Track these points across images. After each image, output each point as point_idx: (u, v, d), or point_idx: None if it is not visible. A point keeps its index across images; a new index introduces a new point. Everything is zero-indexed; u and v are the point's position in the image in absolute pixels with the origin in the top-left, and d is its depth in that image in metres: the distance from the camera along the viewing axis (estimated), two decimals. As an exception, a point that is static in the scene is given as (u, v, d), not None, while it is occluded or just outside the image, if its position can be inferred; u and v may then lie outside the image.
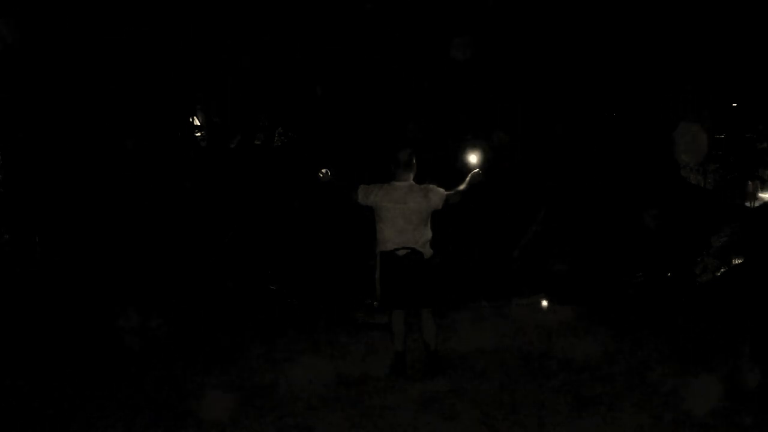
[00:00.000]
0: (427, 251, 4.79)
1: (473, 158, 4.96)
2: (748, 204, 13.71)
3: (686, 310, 6.67)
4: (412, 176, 4.87)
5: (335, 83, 8.94)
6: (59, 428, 4.02)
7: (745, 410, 4.03)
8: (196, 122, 9.69)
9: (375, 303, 4.87)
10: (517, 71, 8.77)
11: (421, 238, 4.76)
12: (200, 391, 4.64)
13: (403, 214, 4.73)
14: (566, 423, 3.93)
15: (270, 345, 5.83)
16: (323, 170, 4.93)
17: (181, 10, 7.86)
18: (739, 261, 7.78)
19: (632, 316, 6.55)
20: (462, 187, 4.86)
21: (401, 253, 4.73)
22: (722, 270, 7.74)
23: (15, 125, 8.06)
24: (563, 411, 4.10)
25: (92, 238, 7.84)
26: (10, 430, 4.04)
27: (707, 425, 3.85)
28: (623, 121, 10.01)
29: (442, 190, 4.80)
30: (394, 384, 4.68)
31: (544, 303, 7.22)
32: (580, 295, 7.30)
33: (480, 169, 4.89)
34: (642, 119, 9.67)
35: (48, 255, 7.99)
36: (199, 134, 9.69)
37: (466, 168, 4.94)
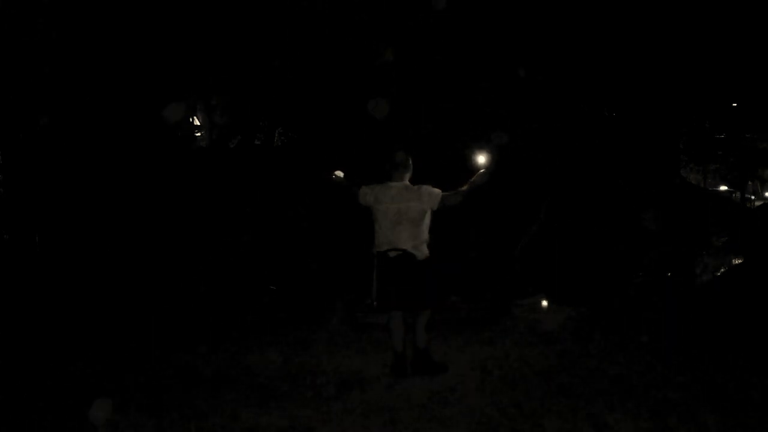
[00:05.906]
0: (422, 252, 4.76)
1: (481, 159, 4.95)
2: (748, 204, 13.72)
3: (686, 310, 6.67)
4: (407, 177, 4.86)
5: (335, 83, 8.92)
6: (59, 427, 4.02)
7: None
8: (196, 122, 9.69)
9: (374, 303, 4.85)
10: (518, 70, 8.77)
11: (416, 239, 4.73)
12: (199, 389, 4.64)
13: (397, 215, 4.72)
14: (566, 425, 3.92)
15: (269, 344, 5.83)
16: (336, 172, 4.96)
17: (181, 10, 7.87)
18: (739, 261, 7.78)
19: (632, 317, 6.55)
20: (464, 188, 4.83)
21: (393, 254, 4.72)
22: (722, 270, 7.74)
23: (15, 125, 8.06)
24: (563, 412, 4.09)
25: (92, 238, 7.85)
26: (10, 430, 4.04)
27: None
28: (623, 121, 10.01)
29: (437, 190, 4.78)
30: (394, 384, 4.68)
31: (544, 303, 7.22)
32: (580, 295, 7.30)
33: (485, 170, 4.88)
34: (642, 119, 9.67)
35: (48, 255, 7.99)
36: (199, 134, 9.69)
37: (475, 168, 4.93)
